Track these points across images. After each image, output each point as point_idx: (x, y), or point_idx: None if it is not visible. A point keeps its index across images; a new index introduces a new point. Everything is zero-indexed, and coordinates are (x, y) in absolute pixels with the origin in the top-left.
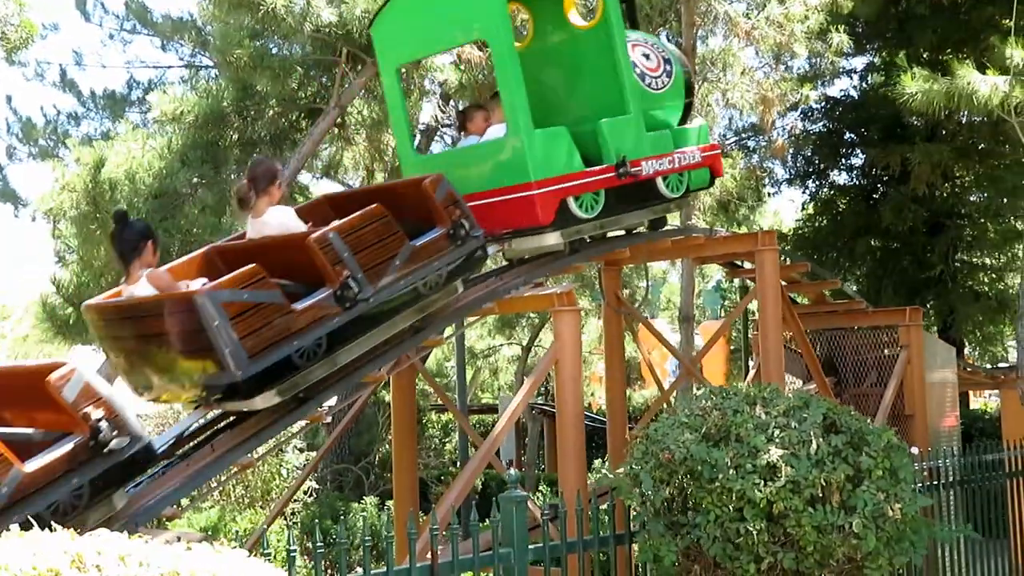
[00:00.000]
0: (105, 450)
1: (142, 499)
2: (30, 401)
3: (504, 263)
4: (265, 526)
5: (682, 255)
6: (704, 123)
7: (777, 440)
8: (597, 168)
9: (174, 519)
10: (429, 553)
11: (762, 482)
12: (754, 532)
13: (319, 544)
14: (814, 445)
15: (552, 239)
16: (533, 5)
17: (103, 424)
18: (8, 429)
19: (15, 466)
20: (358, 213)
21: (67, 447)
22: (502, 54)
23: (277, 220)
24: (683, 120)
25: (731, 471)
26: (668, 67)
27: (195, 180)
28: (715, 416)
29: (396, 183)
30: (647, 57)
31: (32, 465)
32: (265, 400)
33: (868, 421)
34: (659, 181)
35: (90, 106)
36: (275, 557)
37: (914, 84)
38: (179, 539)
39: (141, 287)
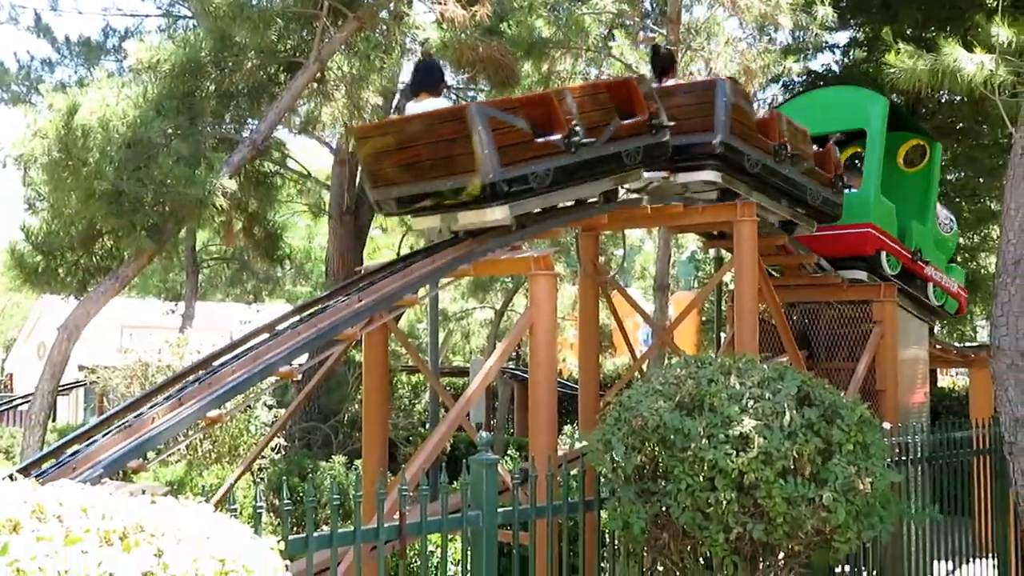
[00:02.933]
0: (653, 131)
1: (107, 450)
2: (619, 101)
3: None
4: (232, 481)
5: (660, 223)
6: (962, 270)
7: (751, 411)
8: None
9: (139, 472)
10: (397, 514)
11: (734, 452)
12: (724, 502)
13: (286, 501)
14: (787, 417)
15: (861, 275)
16: None
17: (657, 112)
18: None
19: (615, 119)
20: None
21: (631, 121)
22: (874, 140)
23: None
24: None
25: (703, 440)
26: (951, 224)
27: (170, 131)
28: (689, 385)
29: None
30: (940, 209)
31: (625, 122)
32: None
33: (841, 395)
34: (930, 287)
35: (65, 53)
36: (241, 513)
37: (899, 61)
38: (143, 492)
39: None
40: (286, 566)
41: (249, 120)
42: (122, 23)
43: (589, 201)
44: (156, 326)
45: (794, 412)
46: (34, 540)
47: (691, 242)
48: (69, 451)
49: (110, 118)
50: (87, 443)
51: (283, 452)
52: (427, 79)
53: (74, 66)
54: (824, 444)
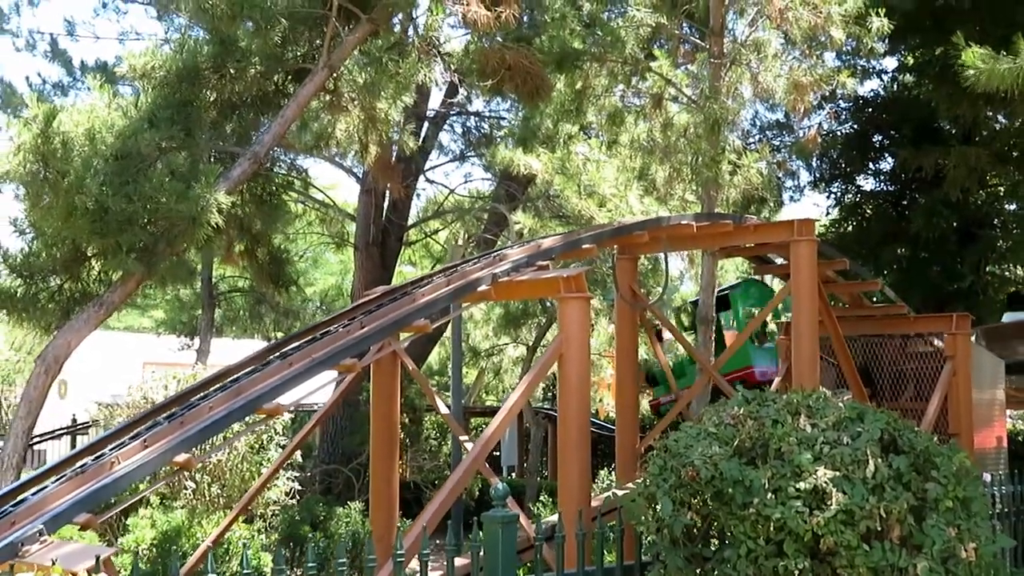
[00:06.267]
0: None
1: (53, 501)
2: None
3: (502, 245)
4: (224, 527)
5: (708, 244)
6: None
7: (826, 459)
8: None
9: (88, 528)
10: None
11: (807, 510)
12: (795, 571)
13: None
14: (871, 467)
15: None
16: None
17: None
18: None
19: None
20: None
21: None
22: None
23: None
24: None
25: (769, 495)
26: None
27: (164, 143)
28: (750, 426)
29: None
30: None
31: None
32: None
33: (934, 440)
34: None
35: (79, 77)
36: (255, 560)
37: (977, 61)
38: (53, 563)
39: None
40: None
41: (253, 134)
42: (139, 47)
43: None
44: (177, 363)
45: (879, 460)
46: None
47: (730, 279)
48: (15, 500)
49: (98, 128)
50: (36, 490)
51: (299, 497)
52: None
53: (88, 90)
54: (917, 500)
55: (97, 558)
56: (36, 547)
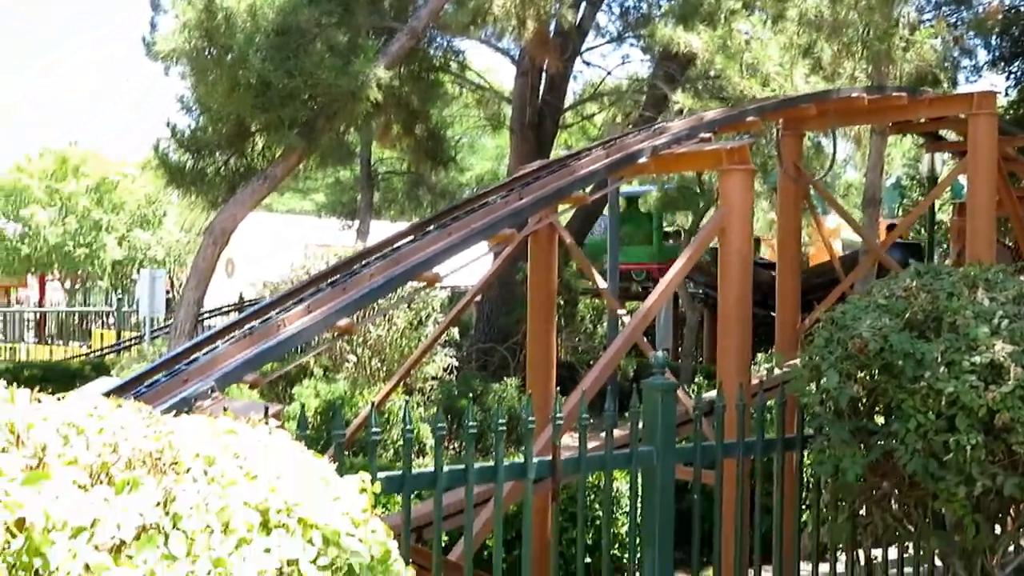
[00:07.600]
0: None
1: (223, 361)
2: None
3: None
4: (381, 396)
5: (879, 119)
6: None
7: (1004, 333)
8: None
9: (257, 386)
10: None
11: (982, 385)
12: (968, 447)
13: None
14: None
15: None
16: None
17: None
18: None
19: None
20: None
21: None
22: None
23: None
24: None
25: (942, 368)
26: None
27: (323, 19)
28: (923, 299)
29: None
30: None
31: None
32: None
33: None
34: None
35: None
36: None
37: None
38: (224, 410)
39: None
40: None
41: (410, 8)
42: None
43: None
44: (338, 244)
45: None
46: None
47: (896, 168)
48: (188, 359)
49: (259, 5)
50: (207, 351)
51: (456, 373)
52: None
53: None
54: None
55: (266, 409)
56: (208, 403)
